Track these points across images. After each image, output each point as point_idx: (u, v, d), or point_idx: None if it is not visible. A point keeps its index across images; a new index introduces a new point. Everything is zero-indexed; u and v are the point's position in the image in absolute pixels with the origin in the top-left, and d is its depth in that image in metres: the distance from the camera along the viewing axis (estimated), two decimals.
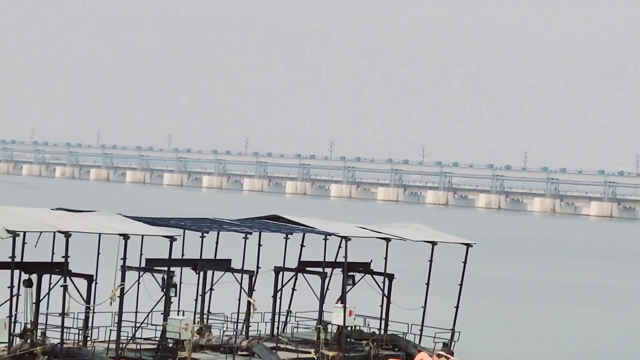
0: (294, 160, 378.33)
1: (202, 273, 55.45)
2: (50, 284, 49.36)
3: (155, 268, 52.02)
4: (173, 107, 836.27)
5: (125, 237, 50.05)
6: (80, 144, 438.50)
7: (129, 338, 51.20)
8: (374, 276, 60.55)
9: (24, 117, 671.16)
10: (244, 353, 53.49)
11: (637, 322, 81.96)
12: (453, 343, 59.52)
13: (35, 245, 50.17)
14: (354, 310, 58.43)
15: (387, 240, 61.22)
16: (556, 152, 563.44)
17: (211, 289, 56.66)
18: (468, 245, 63.14)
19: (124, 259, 50.06)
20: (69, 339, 49.00)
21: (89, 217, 53.48)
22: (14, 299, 47.32)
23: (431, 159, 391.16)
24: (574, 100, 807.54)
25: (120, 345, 49.70)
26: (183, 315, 53.33)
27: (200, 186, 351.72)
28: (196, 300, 55.94)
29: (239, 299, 56.90)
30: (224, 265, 57.11)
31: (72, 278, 48.52)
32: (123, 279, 49.74)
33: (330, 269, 59.60)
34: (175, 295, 52.48)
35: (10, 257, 47.12)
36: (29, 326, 48.85)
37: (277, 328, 59.72)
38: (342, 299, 58.12)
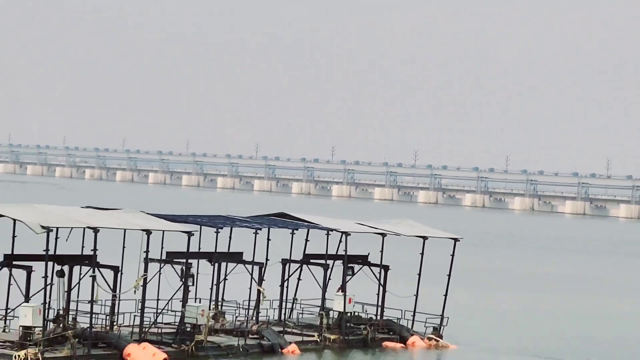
0: (299, 163, 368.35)
1: (216, 265, 55.52)
2: (80, 274, 49.16)
3: (174, 260, 52.09)
4: (190, 112, 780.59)
5: (148, 232, 50.19)
6: (107, 148, 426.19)
7: (151, 323, 51.06)
8: (371, 267, 60.43)
9: (56, 123, 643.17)
10: (254, 336, 53.33)
11: (608, 307, 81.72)
12: (442, 327, 59.43)
13: (67, 240, 49.86)
14: (353, 298, 58.27)
15: (383, 235, 61.35)
16: (535, 155, 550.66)
17: (225, 279, 56.57)
18: (456, 240, 63.35)
19: (147, 252, 50.18)
20: (97, 324, 48.66)
21: (115, 214, 53.49)
22: (48, 288, 47.03)
23: (423, 162, 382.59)
24: (552, 106, 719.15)
25: (143, 329, 49.74)
26: (200, 302, 53.11)
27: (215, 187, 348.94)
28: (211, 289, 55.82)
29: (250, 288, 56.38)
30: (237, 257, 56.97)
31: (100, 269, 48.58)
32: (146, 270, 49.95)
33: (332, 261, 59.44)
34: (193, 285, 52.26)
35: (44, 250, 46.97)
36: (61, 312, 48.40)
37: (284, 314, 59.60)
38: (343, 288, 58.22)
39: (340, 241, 59.20)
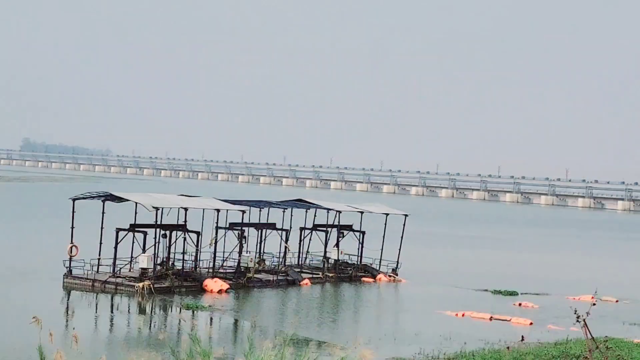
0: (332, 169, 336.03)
1: (259, 230, 56.20)
2: (176, 236, 50.11)
3: (234, 228, 53.28)
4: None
5: (217, 210, 52.66)
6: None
7: (219, 266, 52.66)
8: (354, 232, 61.07)
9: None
10: (283, 274, 54.17)
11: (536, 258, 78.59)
12: (397, 269, 59.86)
13: (168, 214, 51.23)
14: (343, 251, 59.76)
15: (361, 212, 62.62)
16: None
17: (264, 239, 56.33)
18: (406, 216, 64.03)
19: (217, 222, 52.36)
20: (186, 267, 50.08)
21: (197, 199, 54.98)
22: (157, 245, 48.62)
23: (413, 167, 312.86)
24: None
25: (215, 269, 51.04)
26: (249, 253, 54.03)
27: (258, 182, 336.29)
28: (256, 245, 55.71)
29: (280, 245, 57.33)
30: (272, 226, 57.57)
31: (188, 233, 49.97)
32: (216, 234, 51.54)
33: (330, 228, 60.21)
34: (245, 243, 53.14)
35: (154, 221, 49.27)
36: (164, 259, 48.94)
37: (301, 260, 60.19)
38: (337, 245, 59.25)
39: (335, 216, 61.27)
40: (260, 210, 58.36)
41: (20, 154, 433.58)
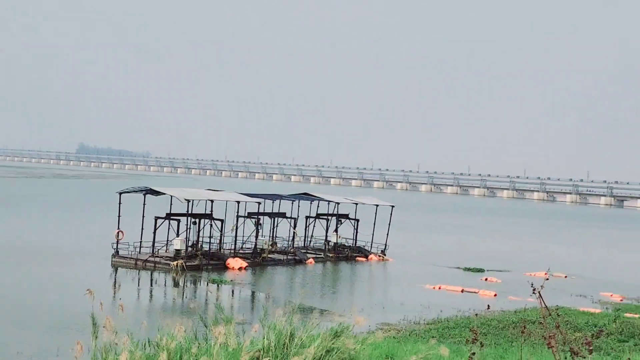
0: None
1: (272, 218, 56.26)
2: (204, 223, 50.07)
3: (252, 216, 53.32)
4: None
5: (238, 202, 52.74)
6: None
7: (239, 247, 52.75)
8: (350, 220, 60.82)
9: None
10: (292, 255, 54.13)
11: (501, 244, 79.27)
12: (385, 250, 59.90)
13: (197, 205, 51.49)
14: (341, 235, 59.62)
15: (356, 204, 62.69)
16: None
17: (276, 225, 56.47)
18: (392, 207, 64.23)
19: (237, 212, 52.63)
20: (212, 248, 49.96)
21: (222, 193, 54.93)
22: (188, 230, 48.70)
23: (397, 167, 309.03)
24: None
25: (235, 251, 51.04)
26: (264, 237, 54.19)
27: (271, 179, 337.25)
28: (270, 231, 55.71)
29: (289, 230, 57.40)
30: (282, 215, 57.43)
31: (214, 221, 50.00)
32: (237, 221, 52.16)
33: (331, 217, 60.24)
34: (261, 228, 53.30)
35: (186, 211, 49.59)
36: (194, 242, 48.71)
37: (306, 243, 59.87)
38: (336, 230, 59.23)
39: (334, 207, 61.30)
40: (273, 202, 58.70)
41: (75, 156, 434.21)
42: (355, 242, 60.38)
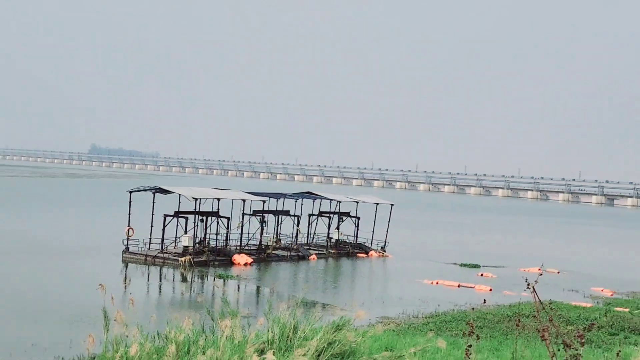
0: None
1: (277, 216, 56.04)
2: (211, 221, 49.97)
3: (257, 214, 53.32)
4: None
5: (243, 200, 52.66)
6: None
7: (245, 244, 52.51)
8: (351, 218, 60.67)
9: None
10: (295, 251, 53.92)
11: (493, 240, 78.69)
12: (385, 247, 59.61)
13: (204, 203, 51.52)
14: (343, 232, 59.60)
15: (357, 202, 62.42)
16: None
17: (280, 223, 55.95)
18: (392, 205, 64.09)
19: (243, 210, 52.45)
20: (219, 245, 49.90)
21: (228, 192, 54.79)
22: (196, 227, 48.65)
23: (397, 167, 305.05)
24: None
25: (241, 247, 50.87)
26: (268, 234, 54.22)
27: (275, 179, 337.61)
28: (274, 228, 55.14)
29: (293, 227, 57.06)
30: (286, 213, 57.15)
31: (220, 218, 49.89)
32: (243, 219, 51.91)
33: (332, 215, 60.21)
34: (266, 225, 53.32)
35: (194, 209, 49.50)
36: (201, 239, 48.47)
37: (309, 240, 59.90)
38: (338, 228, 59.19)
39: (336, 205, 61.28)
40: (277, 201, 58.43)
41: (88, 156, 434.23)
42: (356, 239, 60.05)
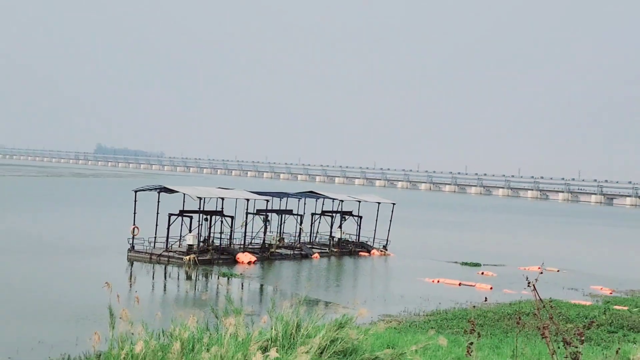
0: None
1: (280, 215, 56.04)
2: (215, 219, 50.25)
3: (260, 213, 53.21)
4: None
5: (247, 199, 52.65)
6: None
7: (249, 243, 52.50)
8: (353, 217, 60.74)
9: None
10: (298, 250, 53.87)
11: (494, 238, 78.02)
12: (387, 245, 59.60)
13: (208, 203, 51.59)
14: (345, 231, 59.50)
15: (359, 201, 62.41)
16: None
17: (284, 222, 56.06)
18: (393, 204, 64.20)
19: (247, 209, 52.43)
20: (223, 243, 50.11)
21: (231, 191, 54.80)
22: (200, 226, 48.82)
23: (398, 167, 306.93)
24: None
25: (245, 246, 50.78)
26: (271, 233, 54.30)
27: (278, 178, 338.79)
28: (277, 227, 55.36)
29: (296, 226, 57.35)
30: (289, 212, 57.26)
31: (224, 217, 50.11)
32: (246, 218, 51.96)
33: (335, 214, 60.17)
34: (269, 224, 53.22)
35: (198, 208, 49.45)
36: (206, 237, 48.74)
37: (312, 238, 59.99)
38: (340, 226, 59.13)
39: (339, 205, 61.25)
40: (280, 200, 58.47)
41: (94, 156, 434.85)
42: (358, 238, 60.05)
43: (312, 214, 60.72)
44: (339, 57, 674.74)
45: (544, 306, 10.82)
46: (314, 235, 60.29)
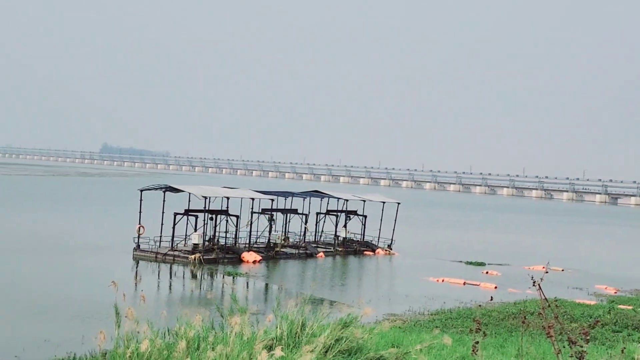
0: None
1: (285, 214, 56.00)
2: (220, 219, 50.28)
3: (265, 212, 53.28)
4: None
5: (252, 199, 52.66)
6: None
7: (254, 242, 52.53)
8: (358, 216, 60.84)
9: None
10: (303, 249, 53.83)
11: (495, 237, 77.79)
12: (392, 245, 59.65)
13: (214, 202, 51.60)
14: (350, 230, 59.57)
15: (364, 201, 62.47)
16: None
17: (289, 221, 55.94)
18: (398, 203, 64.11)
19: (252, 208, 52.44)
20: (228, 243, 50.01)
21: (237, 190, 54.78)
22: (205, 225, 48.69)
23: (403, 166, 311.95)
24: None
25: (250, 245, 50.79)
26: (276, 232, 53.93)
27: (284, 177, 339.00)
28: (282, 226, 55.30)
29: (301, 226, 57.35)
30: (294, 211, 57.18)
31: (229, 216, 50.11)
32: (251, 217, 52.01)
33: (340, 213, 60.23)
34: (274, 224, 53.32)
35: (204, 207, 49.47)
36: (211, 236, 48.68)
37: (317, 238, 59.92)
38: (345, 226, 59.29)
39: (344, 204, 61.32)
40: (285, 199, 58.55)
41: (99, 155, 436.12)
42: (363, 237, 60.05)
43: (317, 213, 60.69)
44: (339, 57, 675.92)
45: (549, 305, 10.78)
46: (319, 234, 60.23)
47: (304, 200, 60.11)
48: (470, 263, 54.93)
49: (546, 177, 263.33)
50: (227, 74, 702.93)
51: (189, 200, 51.18)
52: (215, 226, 49.18)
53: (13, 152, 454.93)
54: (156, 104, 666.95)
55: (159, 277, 41.62)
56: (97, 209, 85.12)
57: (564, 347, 11.02)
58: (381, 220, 61.38)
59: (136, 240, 47.89)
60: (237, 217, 50.22)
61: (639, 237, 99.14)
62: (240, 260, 47.76)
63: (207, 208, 49.70)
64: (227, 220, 50.16)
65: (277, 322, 16.04)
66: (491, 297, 15.56)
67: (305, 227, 56.77)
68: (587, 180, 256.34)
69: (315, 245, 57.25)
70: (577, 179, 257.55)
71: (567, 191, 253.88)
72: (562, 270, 52.99)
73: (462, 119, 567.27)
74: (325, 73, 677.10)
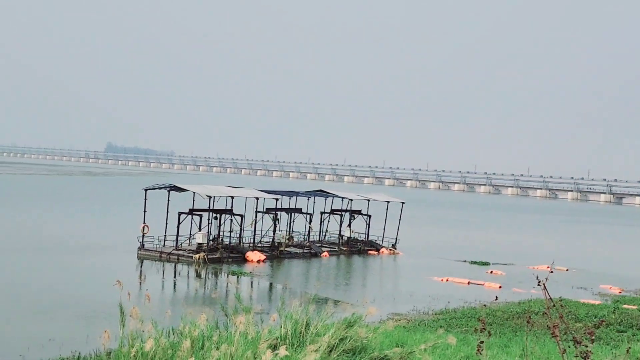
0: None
1: (289, 214, 55.93)
2: (225, 218, 50.16)
3: (269, 212, 53.16)
4: None
5: (257, 198, 52.65)
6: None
7: (258, 241, 52.42)
8: (363, 216, 60.80)
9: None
10: (307, 248, 53.84)
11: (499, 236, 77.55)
12: (396, 244, 59.54)
13: (218, 201, 51.78)
14: (354, 230, 59.33)
15: (368, 200, 62.50)
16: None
17: (293, 220, 55.93)
18: (402, 203, 64.09)
19: (256, 207, 52.38)
20: (232, 242, 49.89)
21: (241, 189, 54.72)
22: (210, 225, 48.84)
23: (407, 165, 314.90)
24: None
25: (254, 244, 50.84)
26: (281, 231, 53.92)
27: (288, 177, 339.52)
28: (287, 225, 55.21)
29: (305, 225, 57.35)
30: (299, 210, 57.18)
31: (234, 216, 50.05)
32: (256, 216, 51.86)
33: (344, 212, 60.16)
34: (278, 223, 53.11)
35: (208, 207, 49.46)
36: (215, 236, 48.70)
37: (321, 237, 59.76)
38: (349, 225, 59.00)
39: (348, 203, 61.27)
40: (289, 198, 58.60)
41: (104, 154, 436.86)
42: (368, 237, 60.01)
43: (322, 213, 60.61)
44: (339, 57, 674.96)
45: (554, 305, 10.75)
46: (323, 233, 60.10)
47: (308, 199, 60.09)
48: (475, 263, 54.86)
49: (551, 177, 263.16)
50: (227, 74, 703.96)
51: (194, 200, 51.25)
52: (220, 225, 49.05)
53: (18, 152, 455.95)
54: (157, 104, 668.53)
55: (164, 277, 41.60)
56: (102, 208, 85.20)
57: (568, 346, 10.99)
58: (385, 219, 61.38)
59: (141, 240, 47.89)
60: (242, 216, 50.21)
61: None
62: (245, 260, 47.72)
63: (211, 207, 49.71)
64: (231, 220, 50.14)
65: (282, 322, 16.03)
66: (496, 297, 15.55)
67: (309, 227, 56.67)
68: (592, 179, 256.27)
69: (320, 244, 57.15)
70: (582, 178, 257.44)
71: (571, 191, 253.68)
72: (567, 270, 52.90)
73: (465, 118, 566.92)
74: (325, 73, 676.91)
